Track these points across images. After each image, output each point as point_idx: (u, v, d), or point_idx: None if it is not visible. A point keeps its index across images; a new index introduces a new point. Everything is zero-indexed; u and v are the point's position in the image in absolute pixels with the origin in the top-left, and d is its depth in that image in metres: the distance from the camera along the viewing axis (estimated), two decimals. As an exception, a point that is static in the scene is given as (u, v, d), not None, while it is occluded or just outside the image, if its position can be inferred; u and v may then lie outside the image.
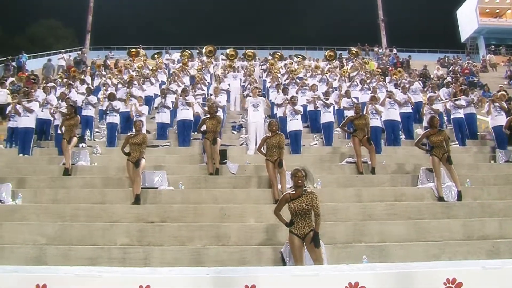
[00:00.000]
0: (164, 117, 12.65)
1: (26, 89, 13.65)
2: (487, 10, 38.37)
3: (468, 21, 37.90)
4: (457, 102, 12.49)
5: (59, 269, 4.37)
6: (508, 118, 10.33)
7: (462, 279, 4.12)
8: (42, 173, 9.85)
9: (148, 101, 14.67)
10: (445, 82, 16.60)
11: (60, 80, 16.60)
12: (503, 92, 12.64)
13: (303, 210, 5.70)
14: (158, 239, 7.08)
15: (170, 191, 8.81)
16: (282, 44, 31.58)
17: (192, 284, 4.07)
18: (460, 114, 12.45)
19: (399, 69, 19.03)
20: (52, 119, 12.45)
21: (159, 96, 13.36)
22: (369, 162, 9.88)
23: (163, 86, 15.00)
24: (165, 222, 7.62)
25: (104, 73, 17.83)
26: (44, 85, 14.73)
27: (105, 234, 7.16)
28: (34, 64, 25.80)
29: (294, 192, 5.88)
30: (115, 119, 12.20)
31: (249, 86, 15.05)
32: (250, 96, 12.12)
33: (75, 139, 10.02)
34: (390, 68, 20.25)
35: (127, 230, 7.23)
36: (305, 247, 5.77)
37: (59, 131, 10.63)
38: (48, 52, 29.12)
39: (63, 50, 26.48)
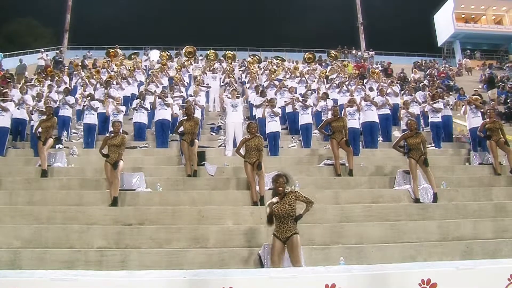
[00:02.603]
0: (142, 117, 12.46)
1: (1, 88, 13.32)
2: (463, 16, 39.32)
3: (444, 26, 38.74)
4: (435, 105, 12.67)
5: (34, 273, 4.28)
6: (482, 122, 10.54)
7: (436, 279, 4.21)
8: (18, 175, 9.67)
9: (126, 101, 14.49)
10: (421, 86, 16.86)
11: (38, 82, 16.23)
12: (477, 96, 12.89)
13: (286, 212, 5.73)
14: (135, 242, 7.03)
15: (148, 193, 8.74)
16: (261, 46, 31.72)
17: (170, 287, 4.05)
18: (438, 118, 12.60)
19: (376, 70, 19.23)
20: (27, 119, 12.18)
21: (137, 97, 13.24)
22: (347, 164, 9.95)
23: (142, 87, 14.87)
24: (143, 225, 7.55)
25: (82, 73, 17.57)
26: (21, 84, 14.41)
27: (82, 236, 7.07)
28: (10, 63, 25.22)
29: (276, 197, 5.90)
30: (92, 119, 11.99)
31: (228, 88, 15.03)
32: (228, 97, 12.09)
33: (50, 141, 9.83)
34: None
35: (105, 232, 7.16)
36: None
37: (33, 131, 10.41)
38: (25, 51, 28.54)
39: (42, 49, 25.86)
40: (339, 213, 7.98)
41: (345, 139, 9.81)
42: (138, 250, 6.82)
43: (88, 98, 12.25)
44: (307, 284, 4.19)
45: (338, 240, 7.22)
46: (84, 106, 12.21)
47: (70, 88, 14.57)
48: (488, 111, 10.64)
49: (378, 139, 12.56)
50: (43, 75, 17.50)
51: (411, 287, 4.20)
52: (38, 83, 15.91)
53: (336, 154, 9.85)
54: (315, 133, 12.69)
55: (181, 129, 9.71)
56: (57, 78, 16.00)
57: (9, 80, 16.94)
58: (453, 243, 7.18)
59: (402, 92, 15.73)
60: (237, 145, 9.26)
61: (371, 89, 14.66)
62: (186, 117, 9.77)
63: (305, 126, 12.21)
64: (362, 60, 26.93)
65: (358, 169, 10.07)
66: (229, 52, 21.97)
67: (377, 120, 12.22)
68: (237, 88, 15.10)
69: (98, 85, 14.45)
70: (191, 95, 13.70)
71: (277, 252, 5.74)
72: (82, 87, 14.76)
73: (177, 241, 7.07)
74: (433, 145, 12.17)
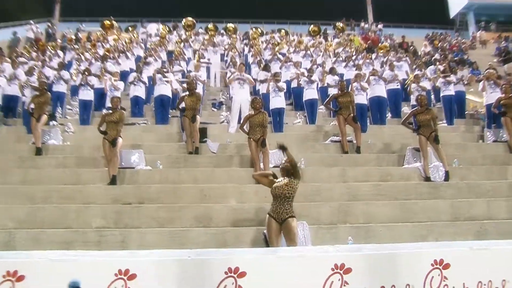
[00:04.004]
0: (139, 90, 12.01)
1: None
2: (477, -15, 37.95)
3: (457, -4, 37.43)
4: (447, 78, 12.22)
5: (32, 254, 4.14)
6: (497, 97, 10.13)
7: (449, 260, 4.19)
8: (10, 153, 9.34)
9: (124, 76, 13.97)
10: (433, 60, 16.37)
11: (28, 55, 15.76)
12: (491, 70, 12.34)
13: (282, 192, 5.72)
14: (135, 221, 6.89)
15: (148, 171, 8.53)
16: (264, 18, 30.85)
17: (174, 267, 3.95)
18: (451, 91, 12.11)
19: (384, 44, 18.75)
20: (20, 95, 11.63)
21: (135, 71, 12.84)
22: (354, 141, 9.66)
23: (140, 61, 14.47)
24: (143, 203, 7.37)
25: (76, 46, 17.09)
26: (12, 58, 13.93)
27: (79, 216, 6.89)
28: (-1, 36, 24.46)
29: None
30: (89, 95, 11.57)
31: (230, 63, 14.64)
32: (235, 72, 11.67)
33: (44, 117, 9.45)
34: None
35: (103, 212, 7.00)
36: None
37: (26, 107, 10.08)
38: (14, 23, 27.59)
39: (31, 21, 24.96)
40: (346, 191, 7.82)
41: (352, 115, 9.51)
42: (138, 229, 6.68)
43: (85, 74, 11.83)
44: (315, 264, 4.12)
45: (345, 219, 7.14)
46: (81, 81, 11.77)
47: (64, 62, 14.15)
48: (503, 86, 10.20)
49: (387, 115, 12.24)
50: (35, 48, 17.00)
51: (423, 268, 4.16)
52: (27, 55, 15.45)
53: (343, 130, 9.55)
54: (320, 108, 12.34)
55: (183, 105, 9.43)
56: (50, 52, 15.54)
57: (-1, 53, 16.44)
58: (466, 223, 7.04)
59: (414, 66, 15.17)
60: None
61: (383, 63, 14.22)
62: (187, 93, 9.48)
63: (309, 102, 11.87)
64: (370, 33, 26.21)
65: (365, 146, 9.77)
66: (230, 25, 21.37)
67: (385, 95, 11.85)
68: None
69: (93, 60, 14.02)
70: (190, 71, 13.29)
71: (274, 231, 5.72)
72: (77, 62, 14.30)
73: (179, 220, 6.92)
74: (444, 121, 11.82)
